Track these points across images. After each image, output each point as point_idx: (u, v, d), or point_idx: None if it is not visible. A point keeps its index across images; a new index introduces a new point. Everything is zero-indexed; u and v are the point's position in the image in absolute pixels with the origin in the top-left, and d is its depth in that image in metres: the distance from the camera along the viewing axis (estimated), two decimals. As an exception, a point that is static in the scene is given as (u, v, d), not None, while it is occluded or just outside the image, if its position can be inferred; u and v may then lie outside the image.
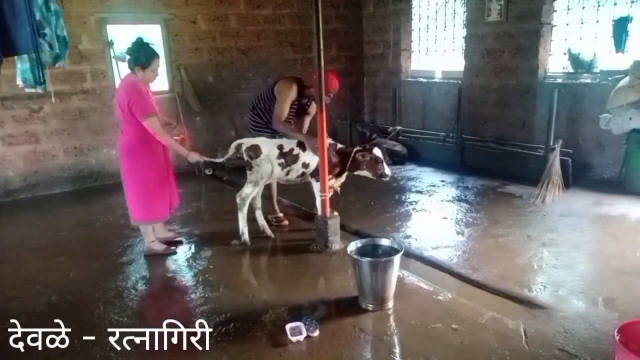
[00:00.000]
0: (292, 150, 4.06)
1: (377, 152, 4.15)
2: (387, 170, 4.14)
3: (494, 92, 6.47)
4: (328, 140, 4.15)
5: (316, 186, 4.14)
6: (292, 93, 4.25)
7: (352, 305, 3.08)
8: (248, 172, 4.05)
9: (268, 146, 4.02)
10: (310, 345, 2.69)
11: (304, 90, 4.32)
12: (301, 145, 4.09)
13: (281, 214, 4.65)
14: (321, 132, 3.80)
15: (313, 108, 4.44)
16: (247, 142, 4.08)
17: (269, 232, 4.27)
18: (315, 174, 4.08)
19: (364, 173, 4.15)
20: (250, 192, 4.05)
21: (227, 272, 3.67)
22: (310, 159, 4.06)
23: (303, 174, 4.12)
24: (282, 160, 4.02)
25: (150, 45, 3.62)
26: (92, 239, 4.53)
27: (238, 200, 4.06)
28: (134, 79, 3.60)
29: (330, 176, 4.05)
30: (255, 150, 3.97)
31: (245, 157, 4.02)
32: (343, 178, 4.27)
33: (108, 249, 4.21)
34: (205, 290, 3.40)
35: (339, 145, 4.23)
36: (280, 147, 4.03)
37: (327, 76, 4.07)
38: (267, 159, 3.98)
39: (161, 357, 2.64)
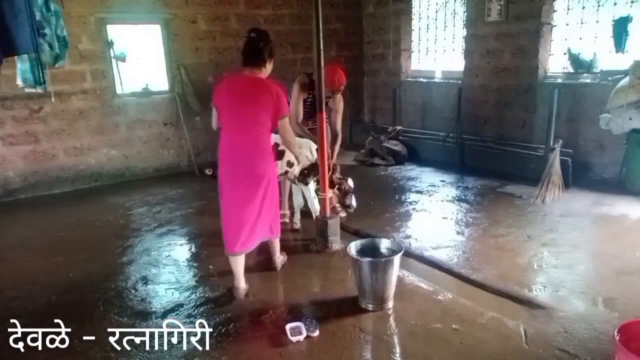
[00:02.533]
0: (277, 145, 4.01)
1: (350, 182, 4.29)
2: (354, 202, 4.30)
3: (494, 92, 6.47)
4: (309, 142, 4.16)
5: (305, 190, 4.14)
6: (300, 91, 4.23)
7: (352, 305, 3.08)
8: None
9: None
10: (310, 345, 2.69)
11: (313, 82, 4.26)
12: None
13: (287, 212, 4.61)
14: (321, 131, 3.80)
15: (335, 103, 4.37)
16: None
17: None
18: (302, 177, 4.08)
19: (332, 194, 4.17)
20: None
21: (227, 272, 3.66)
22: (295, 158, 3.98)
23: (286, 172, 4.09)
24: None
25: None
26: (92, 239, 4.53)
27: None
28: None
29: (315, 178, 4.11)
30: None
31: None
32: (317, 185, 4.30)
33: (108, 249, 4.21)
34: (205, 290, 3.40)
35: None
36: None
37: (333, 71, 4.11)
38: None
39: (161, 357, 2.64)
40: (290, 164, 4.05)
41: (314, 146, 4.10)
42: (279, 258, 3.66)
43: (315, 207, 4.23)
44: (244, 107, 3.04)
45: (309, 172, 4.10)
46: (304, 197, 4.39)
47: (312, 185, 4.23)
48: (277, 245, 3.60)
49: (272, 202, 3.27)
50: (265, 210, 3.20)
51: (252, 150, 3.08)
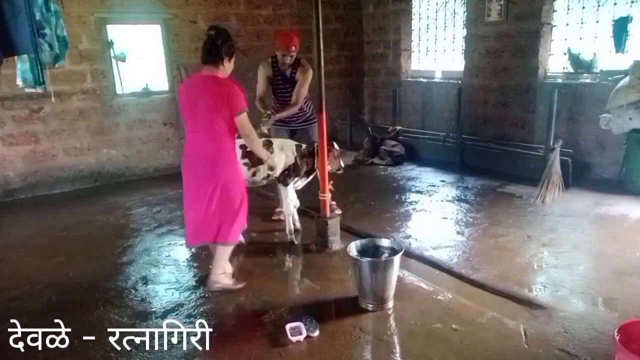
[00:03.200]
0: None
1: (336, 146, 4.30)
2: (342, 163, 4.36)
3: (494, 92, 6.47)
4: (291, 142, 4.14)
5: (283, 191, 4.07)
6: (263, 69, 4.47)
7: (352, 305, 3.08)
8: None
9: None
10: (310, 345, 2.69)
11: (276, 60, 4.46)
12: (268, 144, 3.91)
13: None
14: (321, 132, 3.80)
15: (301, 74, 4.47)
16: None
17: None
18: (283, 178, 4.04)
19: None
20: None
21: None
22: (277, 160, 3.88)
23: (269, 175, 4.00)
24: (247, 160, 3.87)
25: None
26: (92, 239, 4.53)
27: None
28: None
29: (297, 178, 4.08)
30: None
31: None
32: (311, 177, 4.27)
33: (108, 249, 4.21)
34: (205, 290, 3.40)
35: (303, 146, 4.17)
36: (244, 147, 3.74)
37: (287, 34, 4.30)
38: None
39: (161, 357, 2.64)
40: (271, 168, 3.86)
41: (295, 145, 4.09)
42: (216, 275, 3.28)
43: (289, 209, 4.13)
44: (199, 108, 3.04)
45: (290, 173, 4.04)
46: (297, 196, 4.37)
47: (291, 187, 4.12)
48: (222, 256, 3.28)
49: (224, 205, 3.12)
50: (214, 210, 3.11)
51: (209, 150, 3.07)
